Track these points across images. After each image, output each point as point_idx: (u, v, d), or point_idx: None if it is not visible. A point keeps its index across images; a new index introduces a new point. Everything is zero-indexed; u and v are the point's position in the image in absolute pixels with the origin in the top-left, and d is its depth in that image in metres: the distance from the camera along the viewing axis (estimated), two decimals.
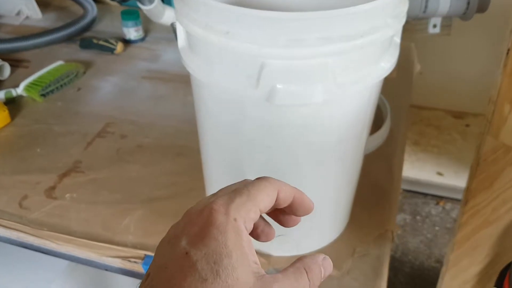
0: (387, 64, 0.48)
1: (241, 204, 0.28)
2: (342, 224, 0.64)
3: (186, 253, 0.27)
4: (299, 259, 0.30)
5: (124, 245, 0.62)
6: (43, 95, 0.94)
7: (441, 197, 1.79)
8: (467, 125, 1.95)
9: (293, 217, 0.35)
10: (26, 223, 0.66)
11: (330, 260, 0.31)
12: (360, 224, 0.66)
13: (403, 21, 0.47)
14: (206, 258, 0.26)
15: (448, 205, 1.76)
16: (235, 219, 0.28)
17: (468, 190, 0.71)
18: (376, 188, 0.72)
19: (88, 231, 0.65)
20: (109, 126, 0.87)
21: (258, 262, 0.28)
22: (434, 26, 0.73)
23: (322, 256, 0.31)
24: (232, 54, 0.44)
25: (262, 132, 0.49)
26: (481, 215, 0.75)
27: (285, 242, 0.59)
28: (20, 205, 0.69)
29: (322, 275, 0.30)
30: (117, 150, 0.81)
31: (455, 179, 1.71)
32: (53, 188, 0.73)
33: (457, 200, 1.76)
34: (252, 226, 0.29)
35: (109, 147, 0.82)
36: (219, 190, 0.31)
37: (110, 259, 0.61)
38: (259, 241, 0.34)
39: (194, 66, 0.49)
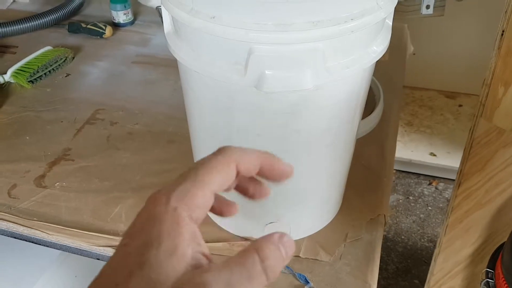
0: (379, 47, 0.47)
1: (184, 191, 0.26)
2: (334, 209, 0.64)
3: (124, 245, 0.25)
4: (251, 243, 0.26)
5: (115, 234, 0.62)
6: (31, 81, 0.92)
7: (434, 177, 1.79)
8: (460, 105, 1.95)
9: (263, 187, 0.32)
10: (16, 213, 0.65)
11: (290, 237, 0.26)
12: (353, 209, 0.65)
13: (395, 2, 0.46)
14: (137, 250, 0.24)
15: (441, 185, 1.77)
16: (175, 209, 0.25)
17: (461, 172, 0.71)
18: (368, 172, 0.71)
19: (79, 220, 0.64)
20: (98, 112, 0.85)
21: (204, 253, 0.25)
22: (427, 7, 0.72)
23: (278, 234, 0.26)
24: (219, 39, 0.43)
25: (252, 120, 0.48)
26: (474, 198, 0.75)
27: (276, 229, 0.59)
28: (9, 194, 0.69)
29: (284, 257, 0.25)
30: (107, 137, 0.80)
31: (448, 160, 1.72)
32: (42, 176, 0.72)
33: (450, 180, 1.76)
34: (204, 212, 0.27)
35: (99, 134, 0.81)
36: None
37: (101, 248, 0.61)
38: (223, 216, 0.32)
39: (181, 52, 0.48)
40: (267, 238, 0.26)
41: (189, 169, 0.28)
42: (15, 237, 0.65)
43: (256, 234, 0.60)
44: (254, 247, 0.25)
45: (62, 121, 0.83)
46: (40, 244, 0.64)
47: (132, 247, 0.24)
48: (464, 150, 0.68)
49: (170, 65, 0.98)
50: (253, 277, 0.24)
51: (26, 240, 0.64)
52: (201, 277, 0.23)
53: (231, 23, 0.41)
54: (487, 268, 0.77)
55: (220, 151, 0.29)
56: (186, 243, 0.24)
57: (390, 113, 0.82)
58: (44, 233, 0.63)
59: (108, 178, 0.72)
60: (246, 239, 0.60)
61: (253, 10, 0.40)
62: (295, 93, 0.45)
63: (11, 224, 0.64)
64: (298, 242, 0.60)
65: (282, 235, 0.26)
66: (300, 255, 0.59)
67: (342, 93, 0.48)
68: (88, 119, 0.84)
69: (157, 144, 0.78)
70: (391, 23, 0.50)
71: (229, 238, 0.61)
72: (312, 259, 0.59)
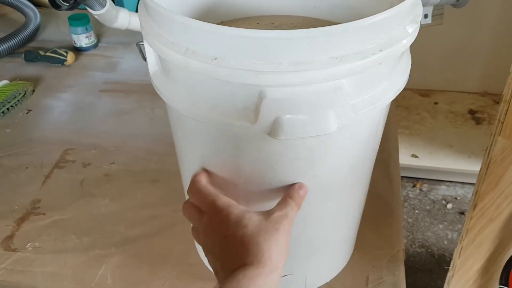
0: (402, 76, 0.41)
1: None
2: (351, 248, 0.57)
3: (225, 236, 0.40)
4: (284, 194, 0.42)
5: None
6: None
7: (417, 179, 1.76)
8: (436, 103, 1.93)
9: None
10: None
11: (303, 184, 0.42)
12: (369, 245, 0.59)
13: (419, 24, 0.40)
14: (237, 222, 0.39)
15: (425, 187, 1.74)
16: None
17: (476, 193, 0.66)
18: (378, 199, 0.65)
19: None
20: (68, 153, 0.76)
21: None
22: (425, 16, 0.66)
23: (297, 184, 0.42)
24: (222, 83, 0.36)
25: (262, 168, 0.41)
26: (487, 215, 0.71)
27: (290, 282, 0.52)
28: None
29: (302, 195, 0.42)
30: (81, 182, 0.71)
31: (430, 160, 1.69)
32: (11, 237, 0.62)
33: (434, 181, 1.74)
34: None
35: (71, 179, 0.71)
36: None
37: None
38: None
39: (172, 95, 0.40)
40: (292, 188, 0.42)
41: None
42: None
43: None
44: (287, 195, 0.42)
45: (27, 167, 0.74)
46: None
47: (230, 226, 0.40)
48: (480, 170, 0.63)
49: (143, 91, 0.90)
50: (292, 207, 0.41)
51: None
52: (273, 215, 0.40)
53: (238, 65, 0.34)
54: (500, 285, 0.74)
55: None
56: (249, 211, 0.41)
57: (389, 131, 0.76)
58: None
59: (86, 232, 0.63)
60: None
61: (265, 47, 0.33)
62: (315, 138, 0.38)
63: None
64: None
65: (300, 184, 0.42)
66: None
67: (364, 130, 0.42)
68: (57, 162, 0.74)
69: (139, 186, 0.70)
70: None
71: None
72: None
